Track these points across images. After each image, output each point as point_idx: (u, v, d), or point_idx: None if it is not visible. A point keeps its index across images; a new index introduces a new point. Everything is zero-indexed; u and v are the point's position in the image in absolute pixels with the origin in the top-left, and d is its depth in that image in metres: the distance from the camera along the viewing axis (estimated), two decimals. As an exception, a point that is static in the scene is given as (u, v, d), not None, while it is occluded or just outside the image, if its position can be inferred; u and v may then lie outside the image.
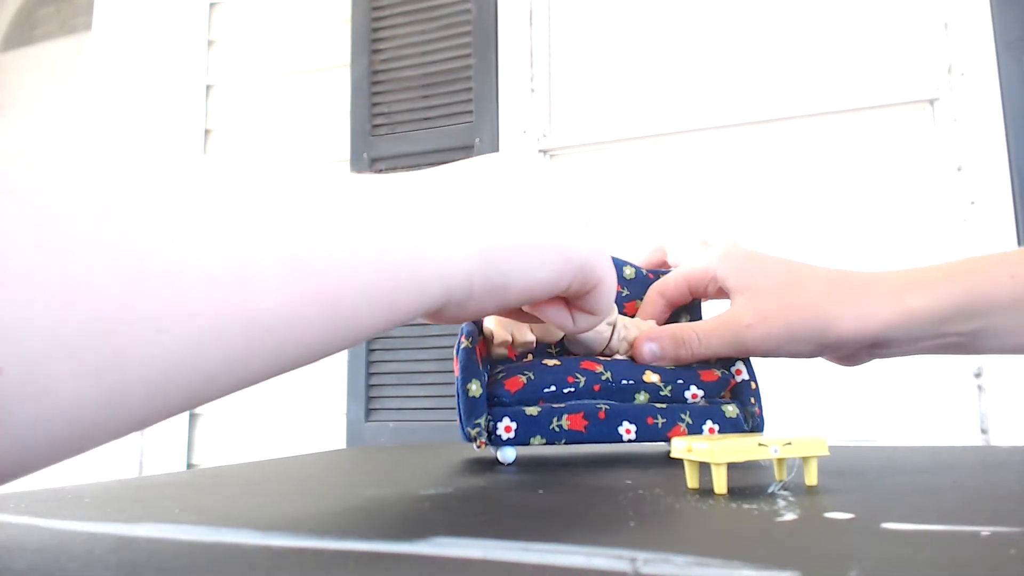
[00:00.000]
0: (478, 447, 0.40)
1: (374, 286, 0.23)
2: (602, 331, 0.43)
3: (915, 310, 0.41)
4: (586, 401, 0.41)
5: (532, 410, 0.40)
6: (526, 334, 0.42)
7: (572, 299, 0.32)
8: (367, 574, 0.16)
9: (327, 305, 0.22)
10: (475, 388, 0.40)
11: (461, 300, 0.26)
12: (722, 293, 0.46)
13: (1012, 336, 0.42)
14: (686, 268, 0.47)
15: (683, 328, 0.43)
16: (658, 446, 0.49)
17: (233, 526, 0.22)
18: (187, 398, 0.20)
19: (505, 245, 0.27)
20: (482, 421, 0.39)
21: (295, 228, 0.21)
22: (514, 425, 0.39)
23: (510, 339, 0.42)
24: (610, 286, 0.32)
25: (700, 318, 0.48)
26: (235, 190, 0.21)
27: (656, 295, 0.47)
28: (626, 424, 0.40)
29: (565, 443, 0.40)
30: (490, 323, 0.42)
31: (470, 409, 0.39)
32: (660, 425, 0.41)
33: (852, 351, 0.44)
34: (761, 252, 0.45)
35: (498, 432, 0.39)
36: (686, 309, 0.48)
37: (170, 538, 0.21)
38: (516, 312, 0.36)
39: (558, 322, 0.33)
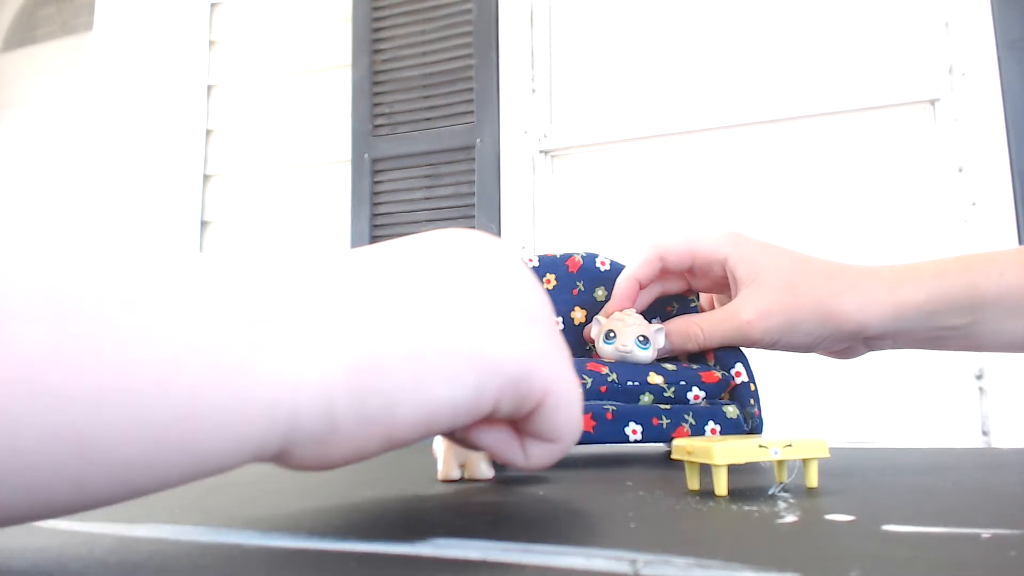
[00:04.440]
0: None
1: (151, 418, 0.15)
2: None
3: (907, 303, 0.42)
4: (593, 402, 0.41)
5: None
6: (482, 468, 0.33)
7: (518, 422, 0.23)
8: (367, 575, 0.16)
9: (70, 442, 0.14)
10: None
11: (319, 436, 0.18)
12: (724, 278, 0.46)
13: (1003, 333, 0.43)
14: (695, 241, 0.47)
15: (688, 324, 0.45)
16: (658, 447, 0.49)
17: (233, 526, 0.22)
18: None
19: (391, 354, 0.19)
20: None
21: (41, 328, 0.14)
22: None
23: (459, 474, 0.33)
24: (567, 400, 0.22)
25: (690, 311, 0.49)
26: None
27: (656, 256, 0.46)
28: (632, 425, 0.40)
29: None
30: (438, 445, 0.34)
31: None
32: (665, 426, 0.41)
33: (848, 344, 0.45)
34: (767, 243, 0.46)
35: None
36: (679, 301, 0.49)
37: (170, 538, 0.21)
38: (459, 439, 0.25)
39: (504, 456, 0.24)
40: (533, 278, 0.24)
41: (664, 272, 0.47)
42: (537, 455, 0.23)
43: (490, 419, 0.22)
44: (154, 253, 0.17)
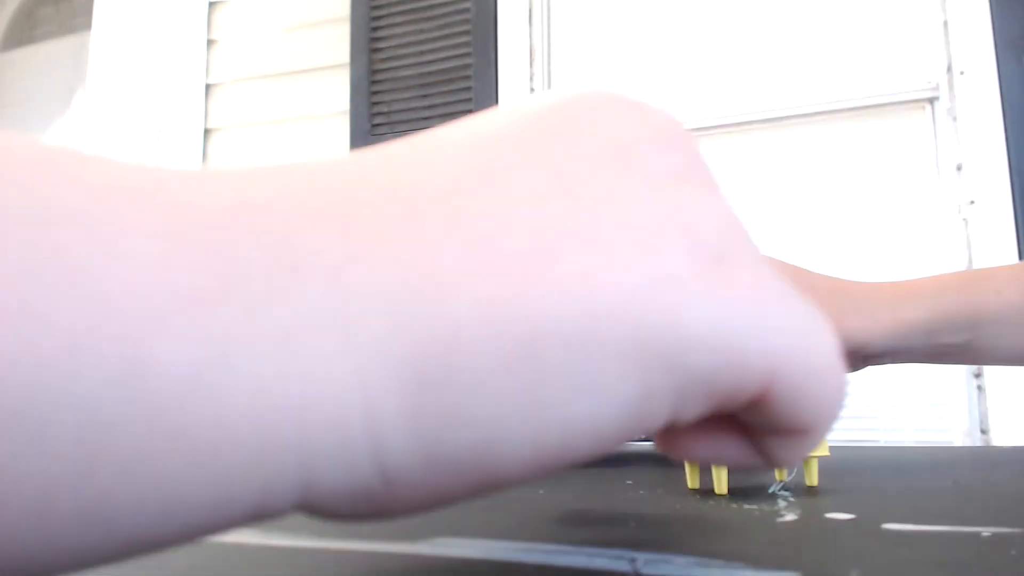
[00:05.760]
0: None
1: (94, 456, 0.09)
2: None
3: (907, 322, 0.43)
4: None
5: None
6: None
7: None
8: (368, 574, 0.16)
9: None
10: None
11: (361, 488, 0.11)
12: None
13: (1002, 349, 0.44)
14: None
15: None
16: (658, 446, 0.50)
17: (234, 527, 0.22)
18: None
19: (480, 352, 0.10)
20: None
21: None
22: None
23: None
24: (812, 381, 0.13)
25: None
26: None
27: None
28: None
29: None
30: None
31: None
32: None
33: (848, 360, 0.45)
34: (770, 257, 0.46)
35: None
36: None
37: (171, 539, 0.21)
38: None
39: (725, 463, 0.16)
40: (710, 176, 0.14)
41: None
42: (775, 454, 0.15)
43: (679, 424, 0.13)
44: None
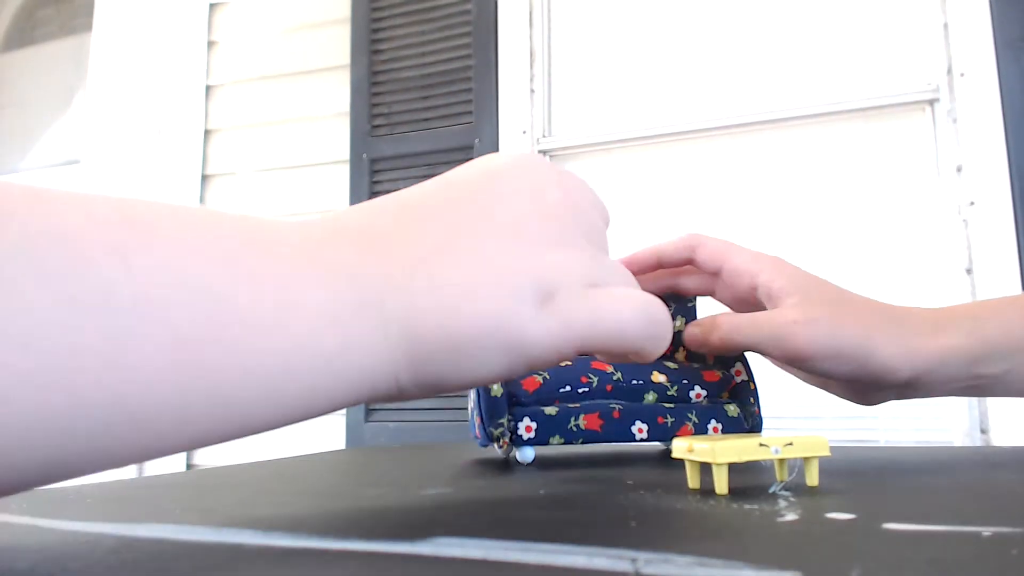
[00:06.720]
0: (501, 447, 0.40)
1: (280, 390, 0.20)
2: None
3: (951, 348, 0.40)
4: (600, 401, 0.41)
5: (551, 410, 0.40)
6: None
7: None
8: (368, 574, 0.16)
9: (220, 404, 0.19)
10: (496, 387, 0.40)
11: (392, 395, 0.24)
12: (748, 292, 0.43)
13: None
14: (732, 246, 0.44)
15: (713, 318, 0.42)
16: (656, 446, 0.49)
17: (234, 526, 0.22)
18: (37, 477, 0.17)
19: (436, 349, 0.23)
20: (504, 421, 0.40)
21: (191, 315, 0.18)
22: (534, 425, 0.40)
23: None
24: (620, 337, 0.25)
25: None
26: (105, 248, 0.18)
27: (689, 244, 0.44)
28: (639, 423, 0.41)
29: (582, 442, 0.40)
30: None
31: (492, 409, 0.40)
32: (669, 424, 0.41)
33: (884, 387, 0.41)
34: (808, 275, 0.43)
35: (519, 432, 0.40)
36: (675, 301, 0.46)
37: (171, 538, 0.21)
38: None
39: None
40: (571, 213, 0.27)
41: (689, 263, 0.45)
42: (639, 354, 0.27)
43: None
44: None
